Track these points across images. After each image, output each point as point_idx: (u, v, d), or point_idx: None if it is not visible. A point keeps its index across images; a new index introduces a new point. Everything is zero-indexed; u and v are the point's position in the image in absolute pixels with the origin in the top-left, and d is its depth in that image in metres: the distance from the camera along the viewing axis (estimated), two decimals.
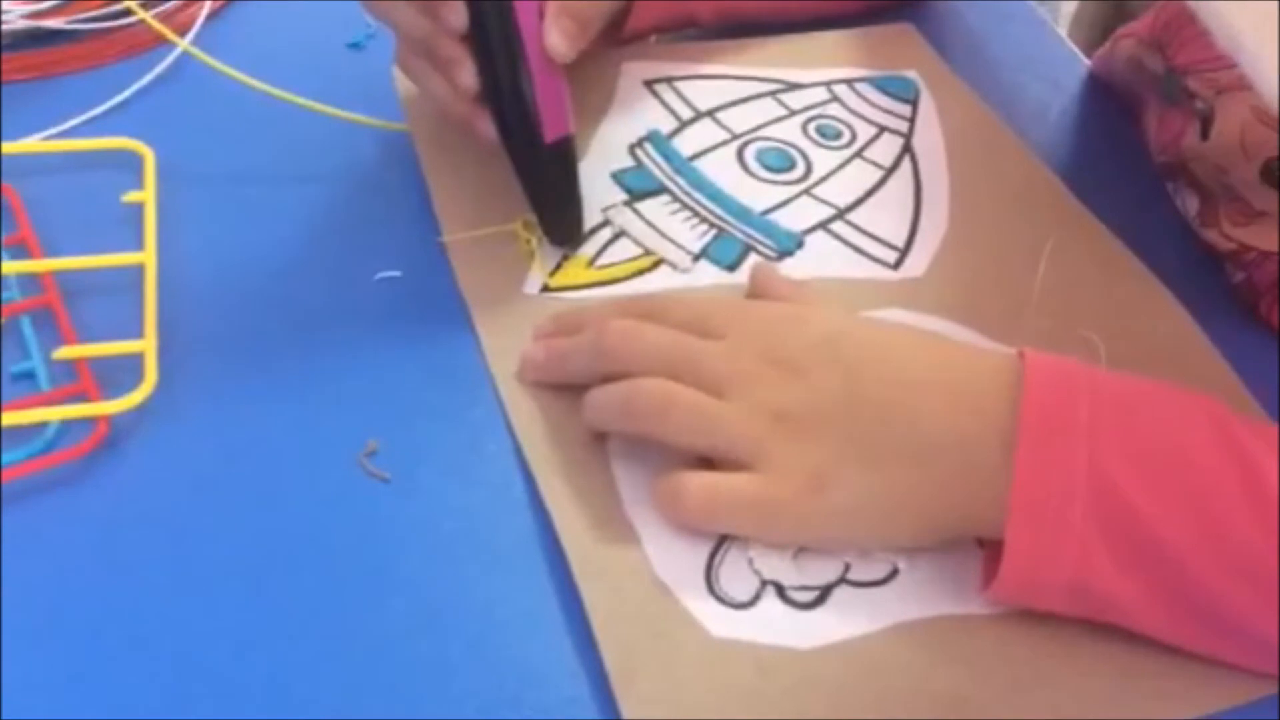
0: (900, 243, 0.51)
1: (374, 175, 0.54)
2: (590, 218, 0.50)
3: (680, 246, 0.50)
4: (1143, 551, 0.36)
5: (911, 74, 0.59)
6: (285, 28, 0.62)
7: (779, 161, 0.54)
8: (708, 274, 0.49)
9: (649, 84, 0.57)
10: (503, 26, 0.45)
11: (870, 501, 0.39)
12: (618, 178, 0.52)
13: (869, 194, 0.53)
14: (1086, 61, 0.63)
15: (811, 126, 0.56)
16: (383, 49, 0.58)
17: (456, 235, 0.50)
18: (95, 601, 0.38)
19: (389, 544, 0.40)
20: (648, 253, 0.50)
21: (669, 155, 0.54)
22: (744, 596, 0.39)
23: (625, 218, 0.51)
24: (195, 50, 0.56)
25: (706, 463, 0.40)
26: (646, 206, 0.51)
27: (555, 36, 0.45)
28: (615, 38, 0.57)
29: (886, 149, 0.55)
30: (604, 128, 0.55)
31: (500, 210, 0.50)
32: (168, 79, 0.58)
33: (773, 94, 0.57)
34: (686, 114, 0.56)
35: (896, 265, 0.50)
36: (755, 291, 0.47)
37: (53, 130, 0.54)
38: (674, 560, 0.39)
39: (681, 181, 0.52)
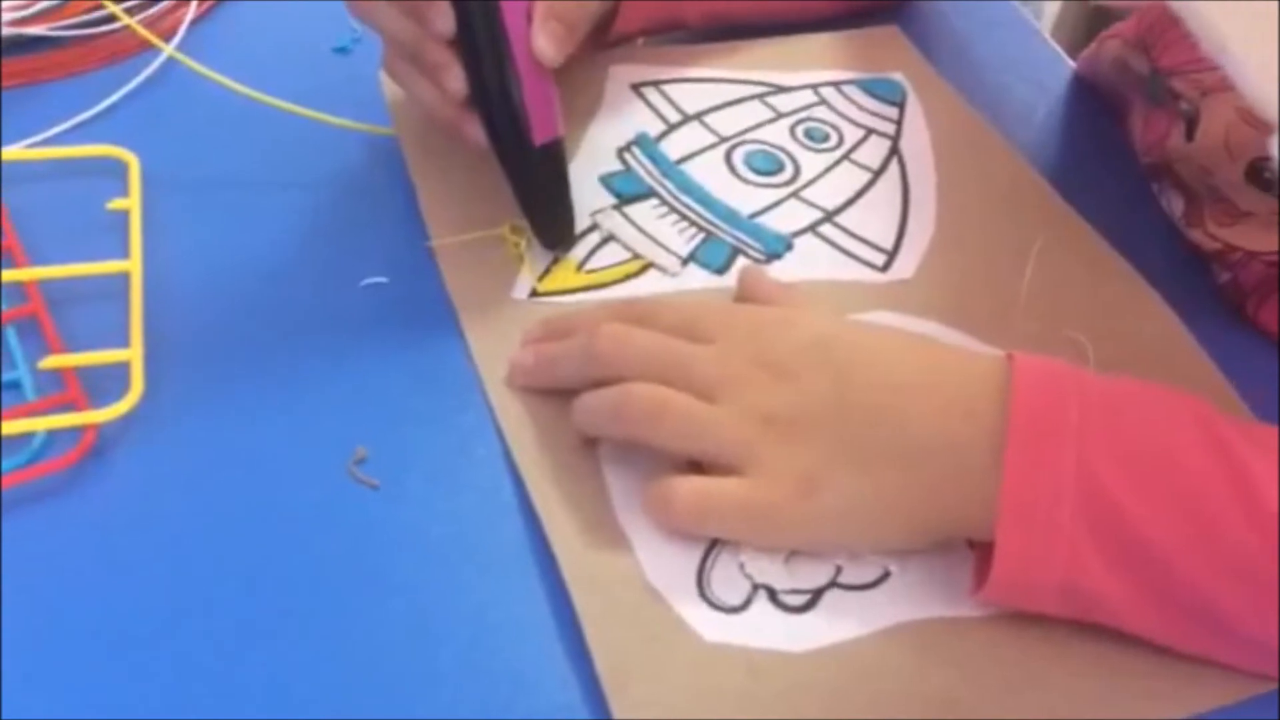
0: (888, 245, 0.51)
1: (360, 180, 0.54)
2: (579, 222, 0.50)
3: (669, 250, 0.50)
4: (1132, 552, 0.36)
5: (898, 76, 0.60)
6: (270, 32, 0.62)
7: (767, 164, 0.54)
8: (697, 277, 0.49)
9: (636, 87, 0.57)
10: (490, 30, 0.45)
11: (861, 504, 0.39)
12: (606, 181, 0.52)
13: (857, 196, 0.53)
14: (1071, 63, 0.63)
15: (799, 129, 0.56)
16: (368, 53, 0.58)
17: (444, 240, 0.50)
18: (85, 611, 0.38)
19: (379, 551, 0.40)
20: (636, 256, 0.50)
21: (657, 159, 0.54)
22: (735, 600, 0.39)
23: (614, 222, 0.51)
24: (180, 55, 0.56)
25: (697, 467, 0.41)
26: (635, 210, 0.51)
27: (543, 40, 0.45)
28: (601, 41, 0.57)
29: (874, 151, 0.55)
30: (591, 131, 0.55)
31: (488, 214, 0.50)
32: (152, 85, 0.57)
33: (760, 97, 0.57)
34: (674, 117, 0.56)
35: (885, 268, 0.50)
36: (744, 295, 0.47)
37: (36, 137, 0.54)
38: (665, 565, 0.39)
39: (670, 185, 0.52)
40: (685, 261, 0.50)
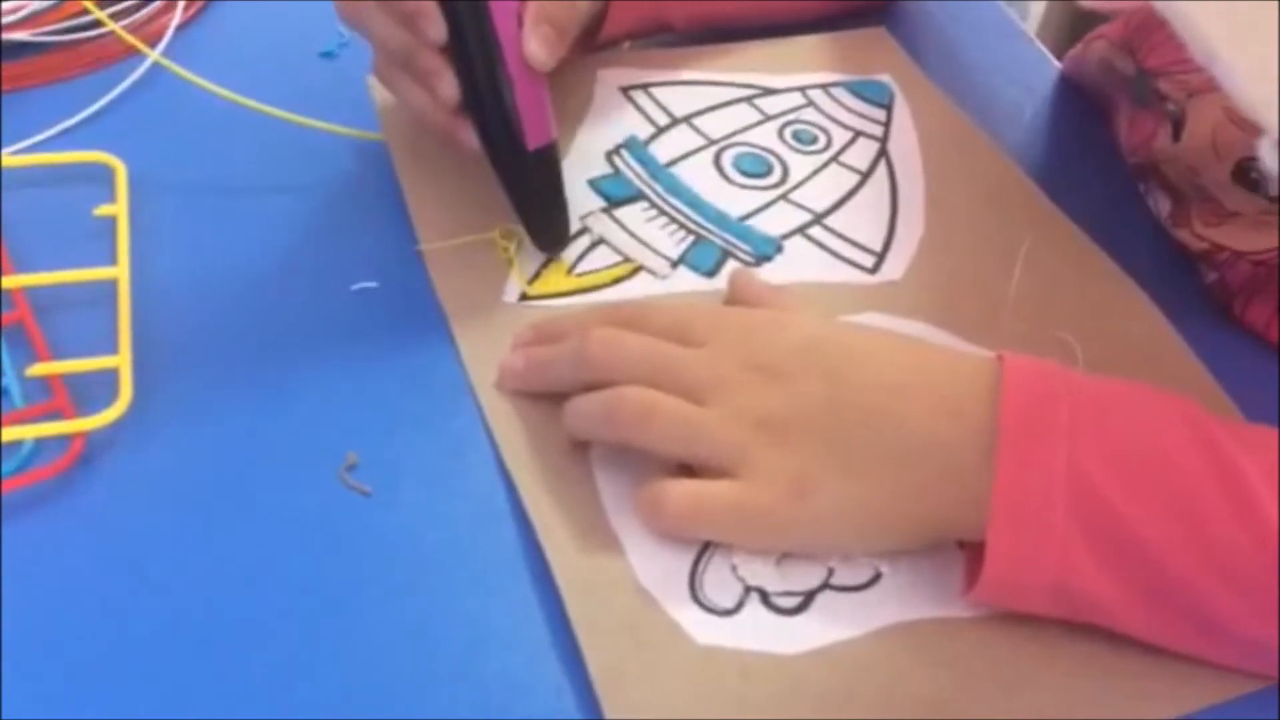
0: (877, 247, 0.51)
1: (349, 184, 0.54)
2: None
3: (659, 253, 0.50)
4: (1123, 552, 0.36)
5: (885, 78, 0.60)
6: (257, 37, 0.61)
7: (756, 167, 0.54)
8: (686, 280, 0.49)
9: (625, 90, 0.57)
10: (481, 36, 0.45)
11: (852, 506, 0.39)
12: (595, 185, 0.52)
13: (846, 198, 0.53)
14: (1057, 64, 0.64)
15: (787, 131, 0.56)
16: (355, 57, 0.58)
17: (434, 244, 0.50)
18: (77, 620, 0.38)
19: (371, 557, 0.40)
20: (626, 260, 0.50)
21: (646, 162, 0.54)
22: (728, 603, 0.39)
23: (603, 225, 0.51)
24: (166, 61, 0.55)
25: (688, 470, 0.41)
26: (624, 213, 0.51)
27: (534, 44, 0.45)
28: (589, 44, 0.57)
29: (862, 153, 0.55)
30: (581, 135, 0.55)
31: (478, 218, 0.50)
32: (139, 90, 0.57)
33: (748, 99, 0.57)
34: (663, 120, 0.56)
35: (874, 269, 0.50)
36: (734, 297, 0.47)
37: (22, 144, 0.54)
38: (657, 568, 0.39)
39: (659, 188, 0.53)
40: (675, 264, 0.50)
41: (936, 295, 0.49)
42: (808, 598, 0.39)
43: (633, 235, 0.50)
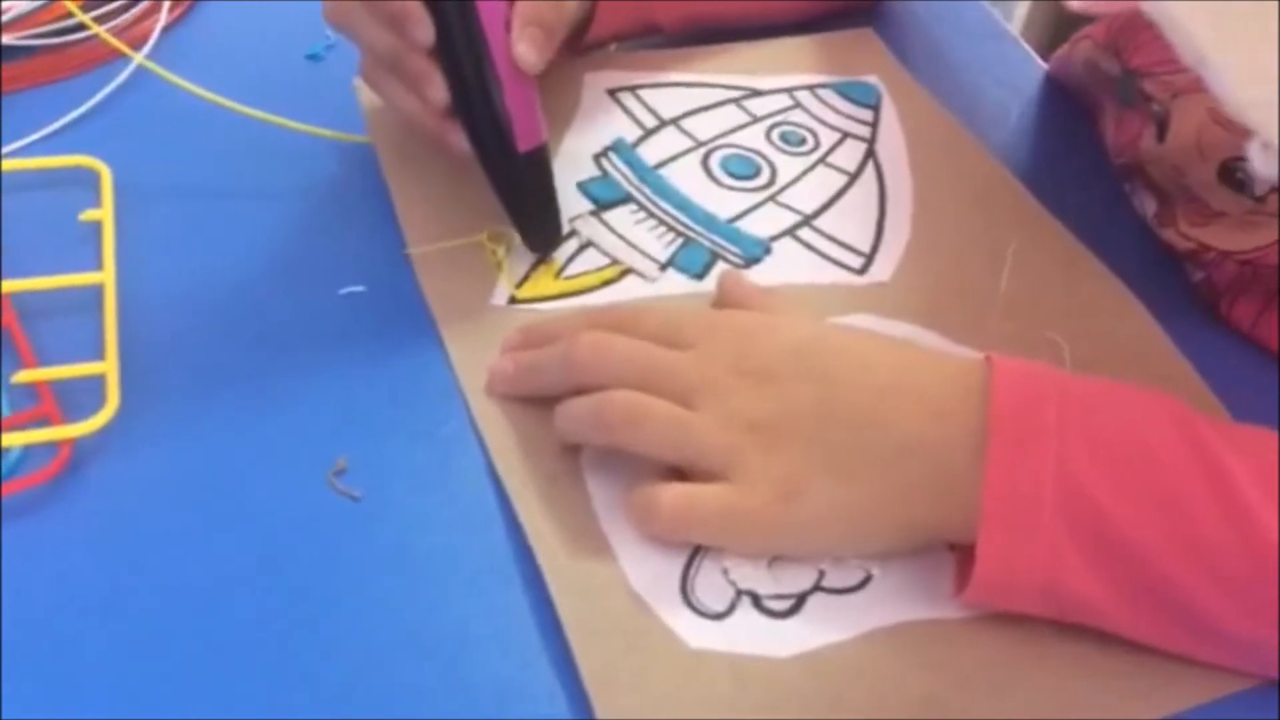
0: (866, 248, 0.51)
1: (336, 188, 0.54)
2: None
3: (647, 255, 0.50)
4: (1112, 552, 0.36)
5: (872, 79, 0.60)
6: (242, 40, 0.61)
7: (744, 169, 0.54)
8: (675, 283, 0.49)
9: (612, 93, 0.57)
10: (470, 38, 0.45)
11: (842, 509, 0.39)
12: (583, 188, 0.52)
13: (834, 200, 0.53)
14: (1043, 64, 0.64)
15: (775, 133, 0.56)
16: (341, 59, 0.58)
17: (422, 248, 0.49)
18: (66, 628, 0.38)
19: (361, 563, 0.40)
20: (615, 262, 0.50)
21: (634, 164, 0.54)
22: (719, 607, 0.39)
23: (592, 228, 0.51)
24: (150, 64, 0.55)
25: (679, 474, 0.40)
26: (613, 216, 0.51)
27: (523, 46, 0.45)
28: (576, 47, 0.57)
29: (850, 155, 0.55)
30: (569, 138, 0.55)
31: (466, 221, 0.50)
32: (124, 93, 0.57)
33: (736, 101, 0.57)
34: (651, 122, 0.56)
35: (863, 271, 0.50)
36: (724, 300, 0.47)
37: (6, 148, 0.53)
38: (649, 572, 0.39)
39: (647, 190, 0.52)
40: (664, 267, 0.50)
41: (925, 296, 0.49)
42: (799, 600, 0.39)
43: (621, 238, 0.50)
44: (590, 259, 0.50)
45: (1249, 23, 0.29)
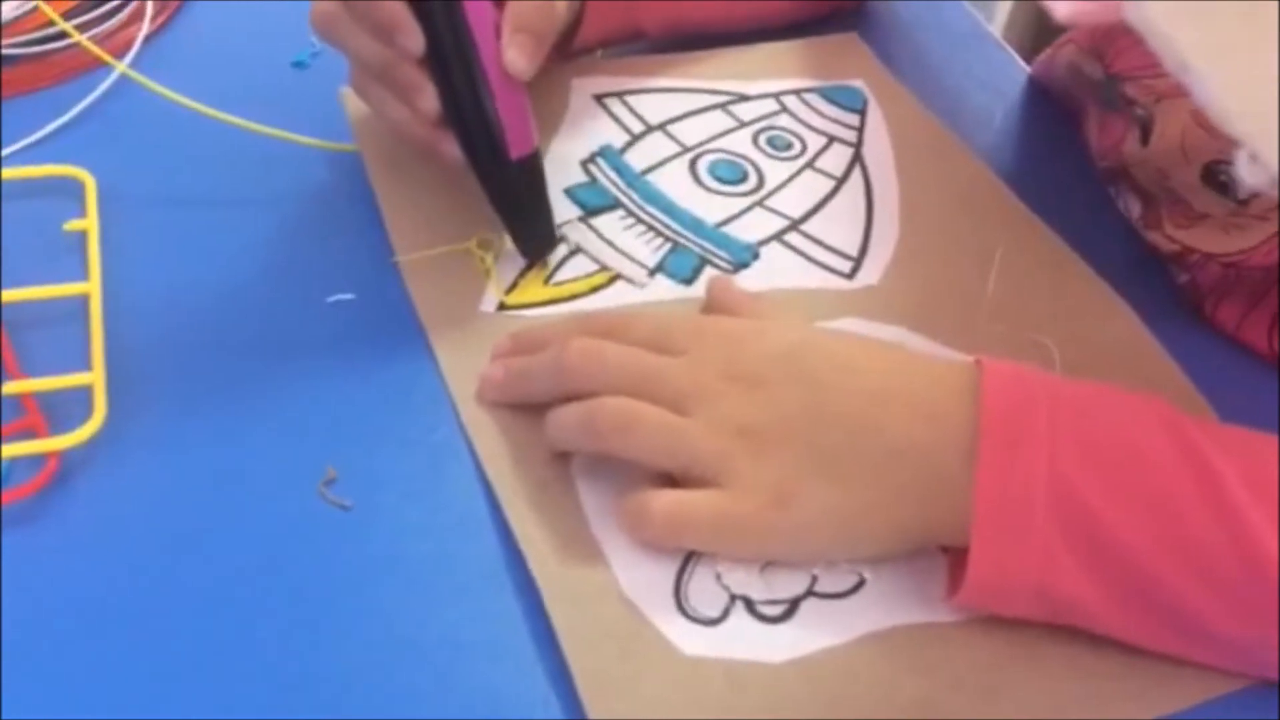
0: (854, 252, 0.51)
1: (323, 196, 0.53)
2: None
3: (636, 261, 0.50)
4: (1104, 554, 0.36)
5: (858, 83, 0.60)
6: (226, 48, 0.61)
7: (731, 173, 0.54)
8: (664, 288, 0.49)
9: (599, 99, 0.57)
10: (460, 47, 0.44)
11: (834, 513, 0.39)
12: (571, 194, 0.52)
13: (821, 204, 0.53)
14: (1025, 67, 0.64)
15: (762, 138, 0.56)
16: (327, 67, 0.58)
17: (410, 255, 0.49)
18: (54, 638, 0.37)
19: (352, 572, 0.40)
20: (603, 268, 0.50)
21: (622, 170, 0.54)
22: (713, 613, 0.39)
23: (580, 234, 0.51)
24: (133, 73, 0.55)
25: (670, 480, 0.40)
26: (601, 222, 0.51)
27: (514, 53, 0.45)
28: (563, 53, 0.57)
29: (837, 159, 0.56)
30: (556, 144, 0.55)
31: (454, 229, 0.50)
32: (107, 102, 0.57)
33: (722, 106, 0.58)
34: (638, 128, 0.56)
35: (851, 275, 0.50)
36: (713, 305, 0.47)
37: None
38: (642, 579, 0.39)
39: (635, 196, 0.53)
40: (653, 272, 0.50)
41: (913, 300, 0.49)
42: (792, 605, 0.39)
43: (610, 244, 0.50)
44: (579, 265, 0.50)
45: (1232, 31, 0.30)
